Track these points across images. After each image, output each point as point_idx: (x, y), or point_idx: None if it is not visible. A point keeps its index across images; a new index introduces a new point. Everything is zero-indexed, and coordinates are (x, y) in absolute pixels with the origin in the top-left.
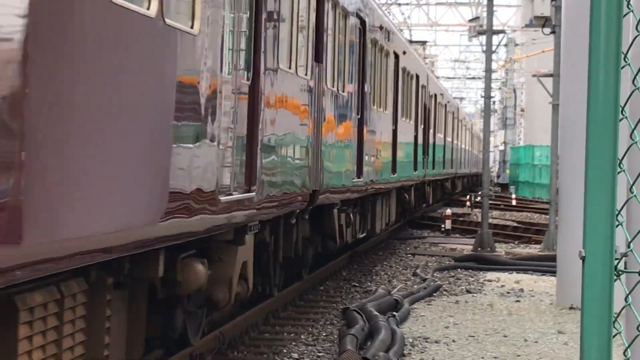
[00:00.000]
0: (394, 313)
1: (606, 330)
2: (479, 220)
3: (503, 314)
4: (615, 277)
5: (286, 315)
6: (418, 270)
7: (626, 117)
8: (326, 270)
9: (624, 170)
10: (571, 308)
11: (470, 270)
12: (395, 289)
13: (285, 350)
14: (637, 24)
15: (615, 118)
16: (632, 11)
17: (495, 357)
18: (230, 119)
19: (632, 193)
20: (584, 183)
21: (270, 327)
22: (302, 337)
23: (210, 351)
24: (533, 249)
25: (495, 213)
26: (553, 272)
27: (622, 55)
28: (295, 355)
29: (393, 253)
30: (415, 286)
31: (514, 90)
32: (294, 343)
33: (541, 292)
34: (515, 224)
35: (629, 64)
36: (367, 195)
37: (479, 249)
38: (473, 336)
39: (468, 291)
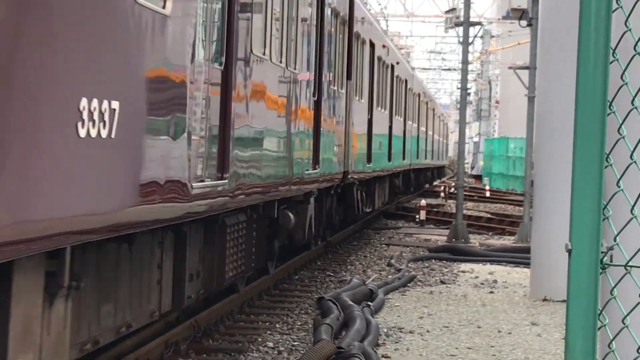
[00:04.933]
0: (369, 303)
1: (591, 323)
2: (453, 211)
3: (477, 304)
4: (601, 271)
5: (261, 304)
6: (392, 261)
7: (614, 112)
8: (301, 259)
9: (611, 165)
10: (544, 300)
11: (444, 261)
12: (370, 279)
13: (260, 339)
14: (626, 19)
15: (603, 113)
16: (622, 7)
17: (469, 348)
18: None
19: (619, 187)
20: (571, 177)
21: (245, 315)
22: (277, 326)
23: (185, 340)
24: (507, 241)
25: (469, 204)
26: (527, 264)
27: (611, 51)
28: (271, 344)
29: (367, 243)
30: (390, 276)
31: (489, 82)
32: (269, 332)
33: (515, 284)
34: (489, 216)
35: (617, 60)
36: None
37: (453, 240)
38: (447, 327)
39: (442, 282)
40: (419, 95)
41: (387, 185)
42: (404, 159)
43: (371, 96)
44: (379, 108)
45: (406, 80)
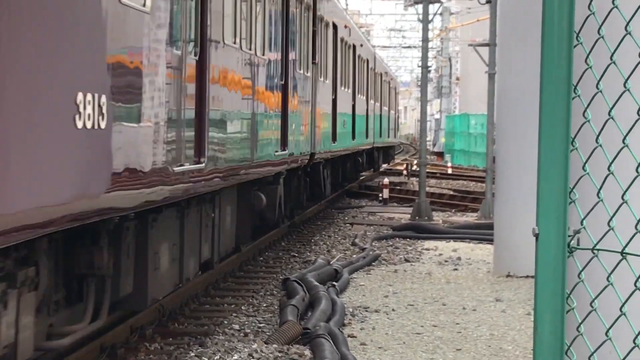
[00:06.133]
0: (334, 283)
1: (559, 306)
2: (416, 189)
3: (441, 282)
4: (568, 254)
5: (226, 286)
6: (357, 240)
7: (579, 96)
8: (265, 240)
9: (576, 149)
10: (508, 276)
11: (408, 239)
12: (335, 259)
13: (226, 322)
14: (589, 3)
15: (568, 97)
16: None
17: (435, 326)
18: None
19: (585, 171)
20: (537, 161)
21: (210, 298)
22: (243, 308)
23: (151, 324)
24: (470, 217)
25: (431, 182)
26: (490, 240)
27: (575, 35)
28: (237, 326)
29: (331, 223)
30: (354, 256)
31: (449, 59)
32: (234, 314)
33: (478, 260)
34: (451, 193)
35: (581, 43)
36: None
37: (417, 217)
38: (412, 305)
39: (406, 260)
40: (341, 36)
41: (232, 207)
42: (333, 140)
43: (286, 55)
44: (298, 70)
45: (331, 23)
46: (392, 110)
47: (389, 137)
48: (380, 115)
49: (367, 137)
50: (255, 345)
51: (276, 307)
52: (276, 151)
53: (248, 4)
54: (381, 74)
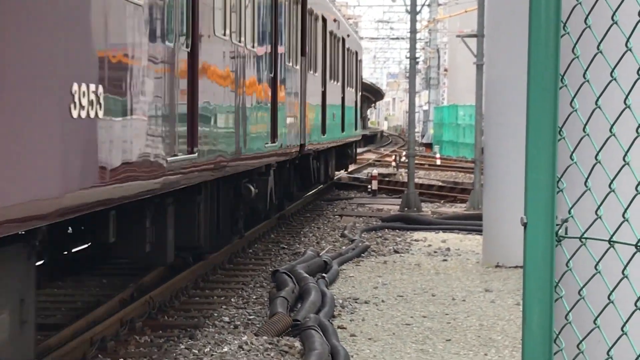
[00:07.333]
0: (324, 274)
1: (548, 295)
2: (405, 180)
3: (431, 273)
4: (556, 243)
5: (215, 278)
6: (346, 231)
7: (566, 86)
8: (254, 232)
9: (564, 138)
10: (497, 266)
11: (397, 231)
12: (324, 251)
13: (215, 314)
14: None
15: (555, 86)
16: None
17: (424, 316)
18: None
19: (573, 160)
20: (525, 151)
21: (200, 290)
22: (233, 300)
23: (141, 316)
24: (459, 208)
25: (420, 173)
26: (479, 231)
27: (562, 24)
28: (226, 319)
29: (320, 214)
30: (344, 247)
31: (438, 51)
32: (224, 306)
33: (467, 251)
34: (440, 184)
35: (568, 33)
36: None
37: (406, 209)
38: (402, 296)
39: (396, 251)
40: None
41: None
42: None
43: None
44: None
45: None
46: (352, 88)
47: (343, 130)
48: (324, 92)
49: (274, 140)
50: (245, 337)
51: (266, 299)
52: None
53: None
54: (329, 29)
